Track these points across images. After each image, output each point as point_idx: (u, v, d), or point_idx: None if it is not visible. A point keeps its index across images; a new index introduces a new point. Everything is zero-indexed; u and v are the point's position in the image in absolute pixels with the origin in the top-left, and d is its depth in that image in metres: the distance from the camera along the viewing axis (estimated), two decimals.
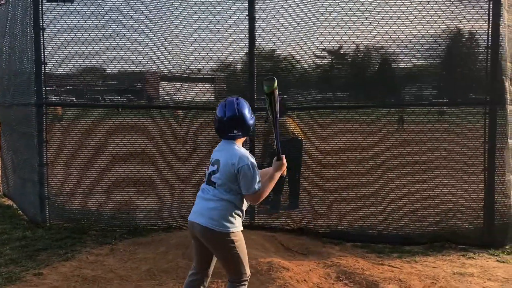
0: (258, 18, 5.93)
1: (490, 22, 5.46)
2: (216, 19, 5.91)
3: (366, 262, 4.90)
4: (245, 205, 3.29)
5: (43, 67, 6.14)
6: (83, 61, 6.18)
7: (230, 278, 3.33)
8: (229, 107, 3.21)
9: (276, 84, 3.12)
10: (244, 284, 3.33)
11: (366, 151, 5.99)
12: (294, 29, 5.79)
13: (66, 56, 6.13)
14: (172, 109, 6.27)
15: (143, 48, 6.02)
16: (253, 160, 3.16)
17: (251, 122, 3.26)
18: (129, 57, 6.01)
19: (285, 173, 3.40)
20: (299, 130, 6.61)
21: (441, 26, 5.63)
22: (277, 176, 3.29)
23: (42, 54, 6.12)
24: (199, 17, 5.92)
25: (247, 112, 3.23)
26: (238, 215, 3.24)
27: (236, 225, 3.22)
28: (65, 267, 4.78)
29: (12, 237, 5.84)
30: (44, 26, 6.11)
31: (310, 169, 6.09)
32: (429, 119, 5.96)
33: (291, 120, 6.79)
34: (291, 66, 6.25)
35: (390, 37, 5.66)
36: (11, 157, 7.71)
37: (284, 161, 3.30)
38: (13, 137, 7.49)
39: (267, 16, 5.91)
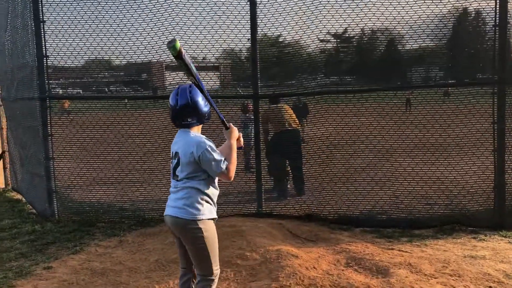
0: (260, 3, 5.84)
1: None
2: (217, 6, 5.83)
3: (376, 247, 4.86)
4: (213, 193, 3.16)
5: (45, 60, 6.10)
6: (85, 53, 6.14)
7: (197, 272, 3.19)
8: (182, 95, 3.12)
9: (178, 44, 2.88)
10: (210, 284, 3.15)
11: (374, 135, 5.92)
12: (296, 13, 5.70)
13: (68, 49, 6.08)
14: None
15: (145, 38, 5.95)
16: (210, 142, 3.07)
17: (205, 109, 3.16)
18: (130, 48, 5.96)
19: (242, 141, 3.31)
20: (295, 118, 6.67)
21: (446, 6, 5.51)
22: (234, 144, 3.21)
23: (44, 47, 6.07)
24: (200, 4, 5.84)
25: (200, 99, 3.13)
26: (206, 201, 3.11)
27: (204, 212, 3.08)
28: (74, 260, 4.80)
29: (21, 231, 5.87)
30: (45, 19, 6.06)
31: (317, 155, 6.03)
32: (436, 101, 5.88)
33: (287, 107, 6.77)
34: (295, 51, 6.16)
35: (395, 19, 5.54)
36: (18, 151, 7.73)
37: (233, 127, 3.23)
38: (19, 132, 7.50)
39: (268, 1, 5.82)
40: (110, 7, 5.92)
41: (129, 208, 6.18)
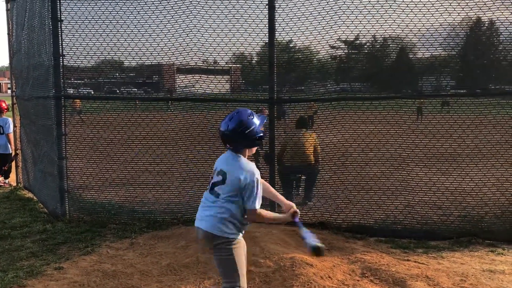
0: (278, 7, 5.79)
1: None
2: (236, 9, 5.78)
3: (391, 258, 4.77)
4: (243, 221, 3.23)
5: (61, 59, 6.09)
6: (101, 53, 6.12)
7: (223, 285, 3.27)
8: (235, 119, 3.19)
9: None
10: None
11: (390, 143, 5.83)
12: (315, 18, 5.63)
13: (84, 48, 6.07)
14: (191, 101, 6.17)
15: (162, 40, 5.92)
16: (259, 176, 3.15)
17: (256, 135, 3.19)
18: (147, 49, 5.92)
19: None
20: (318, 146, 6.38)
21: (460, 14, 5.43)
22: (281, 220, 3.51)
23: (60, 47, 6.06)
24: (218, 7, 5.80)
25: (250, 123, 3.17)
26: (237, 225, 3.19)
27: (235, 232, 3.19)
28: (85, 261, 4.75)
29: (32, 230, 5.84)
30: (62, 18, 6.05)
31: (331, 163, 5.95)
32: (447, 111, 5.79)
33: (312, 138, 6.42)
34: (312, 57, 6.10)
35: (407, 26, 5.48)
36: (31, 150, 7.73)
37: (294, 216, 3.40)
38: (32, 130, 7.50)
39: (287, 5, 5.76)
40: (128, 7, 5.90)
41: (140, 210, 6.14)
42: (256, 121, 3.20)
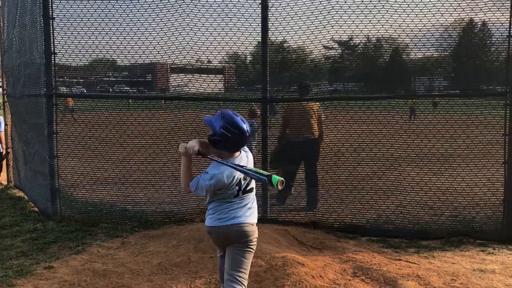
0: (271, 7, 5.78)
1: None
2: (229, 8, 5.77)
3: (383, 257, 4.78)
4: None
5: (53, 57, 6.04)
6: (93, 52, 6.07)
7: (238, 277, 3.27)
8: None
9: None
10: None
11: (382, 143, 5.84)
12: (308, 17, 5.63)
13: (76, 47, 6.02)
14: (184, 100, 6.14)
15: (154, 38, 5.90)
16: (218, 177, 3.11)
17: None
18: (140, 48, 5.90)
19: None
20: (322, 115, 6.26)
21: (452, 15, 5.46)
22: (186, 165, 3.32)
23: (52, 44, 6.02)
24: (211, 6, 5.79)
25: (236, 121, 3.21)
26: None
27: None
28: (76, 261, 4.72)
29: (23, 229, 5.80)
30: (54, 16, 6.01)
31: (324, 162, 5.96)
32: (439, 111, 5.81)
33: (317, 106, 6.32)
34: (305, 56, 6.10)
35: (400, 27, 5.49)
36: (22, 148, 7.67)
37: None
38: (23, 129, 7.44)
39: (280, 5, 5.76)
40: (120, 5, 5.86)
41: (132, 209, 6.11)
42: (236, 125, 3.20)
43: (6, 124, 8.82)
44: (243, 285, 3.19)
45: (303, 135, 6.34)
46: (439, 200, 5.64)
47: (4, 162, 8.84)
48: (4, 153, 8.82)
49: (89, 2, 5.91)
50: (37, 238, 5.43)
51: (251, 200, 3.31)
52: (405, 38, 5.65)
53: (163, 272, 4.44)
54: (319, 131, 6.36)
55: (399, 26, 5.51)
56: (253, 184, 3.28)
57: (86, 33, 5.98)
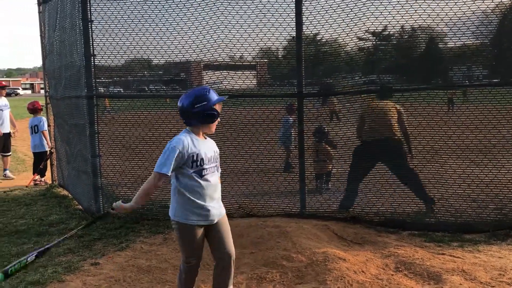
0: (305, 1, 5.75)
1: None
2: (262, 4, 5.76)
3: (425, 251, 4.70)
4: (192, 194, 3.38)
5: (92, 59, 6.20)
6: (131, 52, 6.19)
7: (230, 252, 3.55)
8: (189, 94, 3.39)
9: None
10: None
11: (422, 135, 5.73)
12: (343, 10, 5.56)
13: (114, 48, 6.15)
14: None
15: (189, 37, 5.96)
16: (178, 145, 3.23)
17: (206, 111, 3.31)
18: (175, 46, 5.96)
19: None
20: (403, 114, 5.93)
21: (494, 1, 5.27)
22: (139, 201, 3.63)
23: (91, 46, 6.17)
24: (245, 3, 5.79)
25: (202, 99, 3.31)
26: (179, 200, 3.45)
27: (179, 212, 3.45)
28: (121, 257, 4.85)
29: (69, 227, 5.99)
30: (92, 19, 6.16)
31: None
32: (480, 101, 5.62)
33: (396, 108, 5.97)
34: (340, 49, 6.04)
35: (438, 15, 5.34)
36: (64, 148, 7.91)
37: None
38: (65, 129, 7.67)
39: None
40: (155, 6, 5.95)
41: None
42: (211, 97, 3.31)
43: (49, 125, 9.13)
44: None
45: (379, 135, 6.02)
46: (483, 192, 5.49)
47: (48, 162, 9.16)
48: (48, 152, 9.15)
49: (126, 4, 6.02)
50: (83, 236, 5.59)
51: None
52: (443, 27, 5.51)
53: (204, 268, 4.48)
54: (400, 131, 5.98)
55: (437, 15, 5.38)
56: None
57: (123, 34, 6.10)
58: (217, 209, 3.45)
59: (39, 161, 9.25)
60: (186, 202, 3.34)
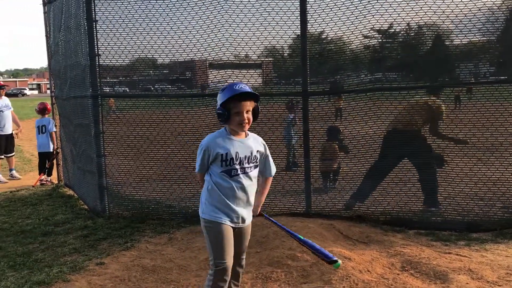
0: None
1: None
2: (267, 2, 5.74)
3: (432, 250, 4.67)
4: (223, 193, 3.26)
5: (97, 59, 6.21)
6: (135, 52, 6.20)
7: (242, 260, 3.53)
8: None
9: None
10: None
11: (428, 133, 5.68)
12: (348, 7, 5.53)
13: (119, 47, 6.15)
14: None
15: (194, 36, 5.94)
16: (209, 143, 3.20)
17: (217, 111, 3.21)
18: (180, 46, 5.96)
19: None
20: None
21: None
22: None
23: (96, 46, 6.18)
24: (249, 1, 5.78)
25: (218, 99, 3.21)
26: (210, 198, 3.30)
27: (207, 209, 3.30)
28: (126, 257, 4.85)
29: (74, 226, 6.01)
30: (97, 18, 6.16)
31: (368, 154, 5.85)
32: (487, 98, 5.56)
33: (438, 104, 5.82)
34: (345, 47, 6.00)
35: (444, 12, 5.30)
36: (70, 148, 7.94)
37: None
38: (71, 129, 7.70)
39: None
40: (160, 5, 5.95)
41: (177, 205, 6.22)
42: (222, 96, 3.16)
43: (55, 125, 9.17)
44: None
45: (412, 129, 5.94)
46: (490, 191, 5.45)
47: (54, 162, 9.19)
48: (54, 152, 9.18)
49: (130, 3, 6.02)
50: (88, 235, 5.61)
51: None
52: (449, 24, 5.47)
53: (205, 268, 4.49)
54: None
55: (443, 12, 5.33)
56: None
57: (127, 34, 6.10)
58: (245, 214, 3.31)
59: (44, 161, 9.29)
60: (215, 200, 3.23)
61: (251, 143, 3.27)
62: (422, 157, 5.76)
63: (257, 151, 3.29)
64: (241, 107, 3.13)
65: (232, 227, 3.26)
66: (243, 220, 3.30)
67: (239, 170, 3.20)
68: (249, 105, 3.17)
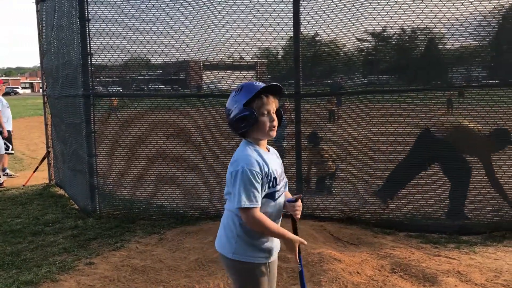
0: (303, 1, 5.74)
1: None
2: (260, 4, 5.76)
3: (422, 253, 4.68)
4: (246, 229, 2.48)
5: (89, 58, 6.18)
6: (128, 51, 6.19)
7: None
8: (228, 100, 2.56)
9: None
10: None
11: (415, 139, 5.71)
12: (341, 10, 5.56)
13: (111, 47, 6.14)
14: (217, 97, 6.18)
15: (187, 36, 5.95)
16: (252, 165, 2.38)
17: (235, 117, 2.46)
18: (173, 46, 5.96)
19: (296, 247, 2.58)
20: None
21: (491, 2, 5.26)
22: (285, 237, 2.50)
23: (88, 45, 6.16)
24: (242, 2, 5.79)
25: (232, 104, 2.49)
26: (244, 235, 2.48)
27: (240, 249, 2.49)
28: (115, 257, 4.83)
29: (64, 226, 5.97)
30: (90, 17, 6.14)
31: (359, 157, 5.87)
32: (478, 102, 5.60)
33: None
34: (338, 50, 6.03)
35: (436, 16, 5.34)
36: (61, 148, 7.90)
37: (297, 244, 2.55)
38: (62, 128, 7.66)
39: None
40: (153, 5, 5.94)
41: (168, 206, 6.20)
42: (239, 98, 2.46)
43: (46, 124, 9.11)
44: None
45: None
46: (480, 194, 5.48)
47: (45, 162, 9.13)
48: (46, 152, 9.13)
49: (123, 3, 6.01)
50: (78, 235, 5.58)
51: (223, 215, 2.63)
52: (441, 28, 5.51)
53: (200, 268, 4.48)
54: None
55: (435, 15, 5.37)
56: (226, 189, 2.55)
57: (120, 34, 6.09)
58: (278, 241, 2.61)
59: None
60: (253, 236, 2.47)
61: (276, 156, 2.63)
62: (457, 164, 5.66)
63: (281, 164, 2.65)
64: (270, 104, 2.47)
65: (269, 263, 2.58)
66: (278, 248, 2.64)
67: (280, 190, 2.54)
68: (276, 104, 2.52)
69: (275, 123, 2.49)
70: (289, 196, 2.64)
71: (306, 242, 2.57)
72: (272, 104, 2.48)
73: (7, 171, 9.85)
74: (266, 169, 2.43)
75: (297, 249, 2.56)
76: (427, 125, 5.77)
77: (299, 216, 2.61)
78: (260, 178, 2.38)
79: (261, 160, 2.42)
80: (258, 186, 2.37)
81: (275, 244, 2.57)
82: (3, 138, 9.52)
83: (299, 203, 2.59)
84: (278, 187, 2.51)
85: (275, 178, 2.48)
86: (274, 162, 2.53)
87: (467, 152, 5.81)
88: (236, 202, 2.36)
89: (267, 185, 2.43)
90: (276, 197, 2.51)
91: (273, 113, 2.49)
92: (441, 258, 4.57)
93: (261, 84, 2.46)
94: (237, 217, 2.46)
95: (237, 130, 2.50)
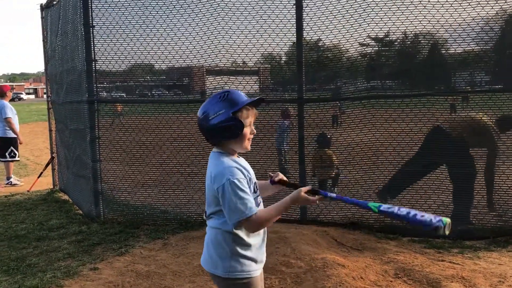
0: (306, 7, 5.77)
1: None
2: (263, 10, 5.79)
3: (425, 258, 4.68)
4: (253, 237, 2.43)
5: (93, 64, 6.23)
6: (132, 57, 6.23)
7: None
8: (204, 103, 2.51)
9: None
10: None
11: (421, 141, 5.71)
12: (343, 16, 5.58)
13: (115, 53, 6.18)
14: None
15: (190, 43, 5.99)
16: (237, 175, 2.32)
17: (222, 123, 2.38)
18: (177, 52, 5.99)
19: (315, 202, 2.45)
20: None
21: (494, 8, 5.28)
22: (290, 203, 2.40)
23: (93, 51, 6.20)
24: (245, 9, 5.82)
25: (217, 108, 2.42)
26: (238, 251, 2.40)
27: (235, 266, 2.40)
28: (120, 262, 4.84)
29: (69, 231, 6.00)
30: (94, 24, 6.19)
31: (362, 162, 5.88)
32: (481, 107, 5.61)
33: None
34: (341, 55, 6.05)
35: (438, 22, 5.36)
36: (65, 153, 7.93)
37: (303, 193, 2.37)
38: (66, 134, 7.70)
39: (315, 4, 5.73)
40: (157, 12, 5.98)
41: (172, 211, 6.22)
42: (226, 105, 2.40)
43: (51, 130, 9.15)
44: None
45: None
46: (483, 198, 5.48)
47: (50, 167, 9.17)
48: (50, 157, 9.18)
49: (127, 9, 6.06)
50: (82, 240, 5.60)
51: (208, 233, 2.53)
52: (444, 33, 5.53)
53: (204, 273, 4.49)
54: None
55: (437, 21, 5.39)
56: (207, 205, 2.47)
57: (124, 40, 6.13)
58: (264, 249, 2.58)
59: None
60: (246, 248, 2.41)
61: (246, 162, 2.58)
62: (463, 168, 5.61)
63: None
64: (254, 116, 2.47)
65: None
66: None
67: (260, 196, 2.53)
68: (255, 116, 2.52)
69: (252, 135, 2.48)
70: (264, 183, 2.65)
71: (310, 187, 2.42)
72: (254, 116, 2.49)
73: (11, 180, 9.86)
74: (248, 175, 2.42)
75: (309, 194, 2.39)
76: (436, 123, 5.76)
77: (281, 175, 2.59)
78: (247, 184, 2.35)
79: (241, 167, 2.39)
80: (249, 191, 2.34)
81: (263, 251, 2.53)
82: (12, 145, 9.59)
83: (275, 174, 2.60)
84: (258, 192, 2.51)
85: (255, 183, 2.48)
86: (249, 167, 2.50)
87: (478, 145, 5.74)
88: (236, 216, 2.29)
89: (252, 190, 2.40)
90: (259, 202, 2.48)
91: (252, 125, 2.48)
92: (445, 263, 4.57)
93: (243, 94, 2.47)
94: (228, 233, 2.38)
95: (215, 138, 2.44)
